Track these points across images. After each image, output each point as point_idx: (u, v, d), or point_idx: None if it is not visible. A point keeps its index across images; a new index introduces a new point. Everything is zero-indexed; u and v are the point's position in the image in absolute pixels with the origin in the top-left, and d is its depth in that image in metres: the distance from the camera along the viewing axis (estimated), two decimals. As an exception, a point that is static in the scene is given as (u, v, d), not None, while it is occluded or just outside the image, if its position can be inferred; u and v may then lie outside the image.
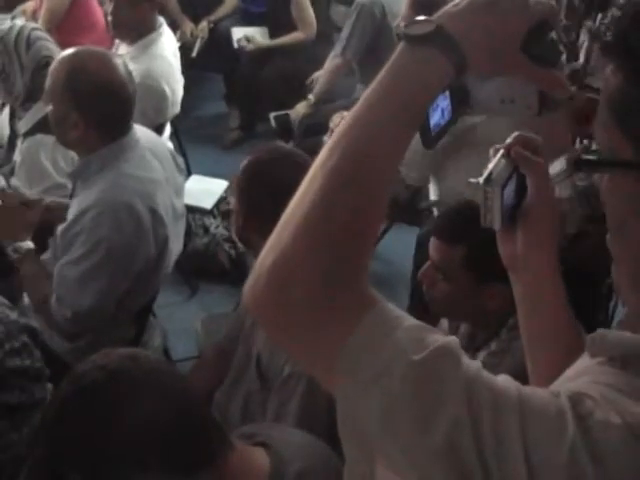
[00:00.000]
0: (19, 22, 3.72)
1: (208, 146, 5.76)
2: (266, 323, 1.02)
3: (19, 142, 3.56)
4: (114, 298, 2.83)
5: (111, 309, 2.85)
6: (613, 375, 0.97)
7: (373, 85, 1.03)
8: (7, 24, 3.64)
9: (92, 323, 2.83)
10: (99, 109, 2.86)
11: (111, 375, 1.56)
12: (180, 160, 3.31)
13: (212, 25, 6.23)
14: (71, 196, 3.04)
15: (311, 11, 5.93)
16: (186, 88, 4.64)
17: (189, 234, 4.49)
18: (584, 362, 1.06)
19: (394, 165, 1.03)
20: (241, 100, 6.23)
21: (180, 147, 5.34)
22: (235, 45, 5.97)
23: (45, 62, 3.49)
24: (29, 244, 2.96)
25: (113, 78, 2.89)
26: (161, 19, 4.36)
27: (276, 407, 2.31)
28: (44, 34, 3.68)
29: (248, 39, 5.95)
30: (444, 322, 2.61)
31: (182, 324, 3.84)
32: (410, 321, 0.97)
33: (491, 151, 1.32)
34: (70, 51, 2.96)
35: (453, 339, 0.96)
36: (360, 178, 0.99)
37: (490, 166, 1.27)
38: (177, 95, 4.30)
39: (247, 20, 6.43)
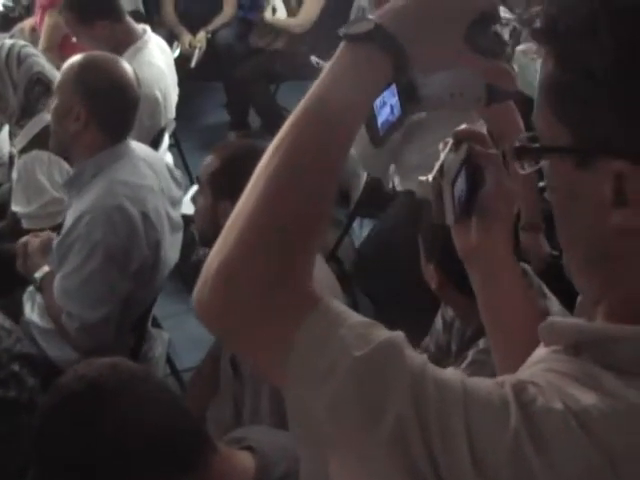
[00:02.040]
0: (9, 41, 3.75)
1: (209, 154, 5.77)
2: (213, 328, 1.03)
3: (15, 159, 3.59)
4: (118, 303, 2.84)
5: (117, 316, 2.85)
6: (567, 362, 0.97)
7: (315, 85, 1.03)
8: (-1, 44, 3.67)
9: (102, 333, 2.82)
10: (105, 106, 2.91)
11: (90, 385, 1.57)
12: (178, 174, 3.31)
13: (210, 35, 6.25)
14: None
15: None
16: (186, 98, 4.65)
17: (192, 244, 4.51)
18: (541, 350, 1.07)
19: (336, 164, 1.03)
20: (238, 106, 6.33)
21: (182, 157, 5.36)
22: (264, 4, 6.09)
23: (37, 78, 3.53)
24: (45, 267, 2.99)
25: (123, 79, 2.96)
26: (145, 27, 4.34)
27: (250, 402, 2.34)
28: (35, 51, 3.71)
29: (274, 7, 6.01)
30: (438, 322, 2.62)
31: (187, 334, 3.84)
32: (355, 318, 0.97)
33: (440, 145, 1.32)
34: (85, 54, 3.04)
35: (398, 334, 0.96)
36: (299, 180, 0.99)
37: (439, 162, 1.27)
38: (170, 100, 4.29)
39: (245, 28, 6.46)
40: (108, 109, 2.93)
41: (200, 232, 2.78)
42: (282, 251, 0.97)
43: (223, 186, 2.55)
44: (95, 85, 2.90)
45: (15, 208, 3.51)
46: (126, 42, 4.15)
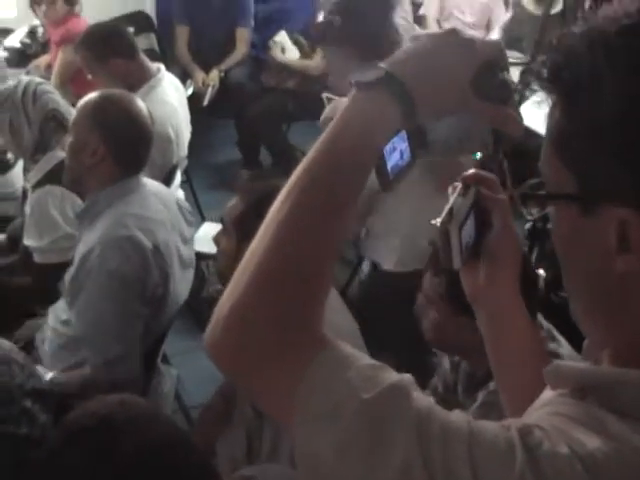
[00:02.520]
0: (25, 78, 3.79)
1: (221, 192, 5.78)
2: (225, 367, 1.04)
3: (29, 194, 3.62)
4: (139, 333, 2.84)
5: (139, 347, 2.85)
6: (572, 406, 0.98)
7: (326, 131, 1.06)
8: (16, 80, 3.72)
9: (125, 368, 2.81)
10: (122, 141, 2.95)
11: (100, 421, 1.58)
12: (189, 211, 3.34)
13: (223, 73, 6.29)
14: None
15: None
16: (198, 135, 4.68)
17: (203, 280, 4.54)
18: (548, 393, 1.08)
19: (347, 208, 1.06)
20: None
21: (193, 194, 5.40)
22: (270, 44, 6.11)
23: (52, 115, 3.57)
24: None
25: (139, 115, 3.01)
26: (159, 65, 4.39)
27: (270, 439, 2.34)
28: (50, 88, 3.75)
29: (283, 47, 6.06)
30: (445, 362, 2.63)
31: (195, 370, 3.84)
32: (363, 360, 0.98)
33: (450, 189, 1.34)
34: (99, 92, 3.08)
35: (406, 377, 0.98)
36: (310, 224, 1.02)
37: (448, 205, 1.29)
38: (182, 137, 4.34)
39: (258, 67, 6.52)
40: (124, 144, 2.97)
41: (221, 272, 2.81)
42: (292, 294, 1.00)
43: (248, 229, 2.55)
44: (112, 121, 2.94)
45: (27, 242, 3.53)
46: (140, 80, 4.20)
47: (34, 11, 5.81)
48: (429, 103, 1.09)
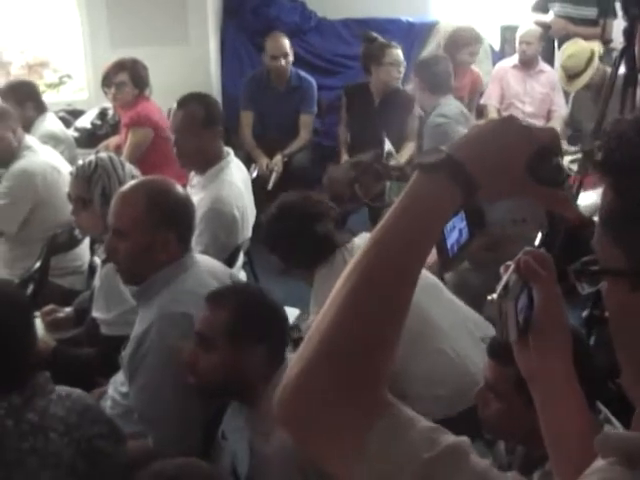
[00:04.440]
0: (105, 153, 3.91)
1: (283, 276, 5.83)
2: (292, 427, 1.11)
3: (98, 268, 3.69)
4: (197, 410, 2.85)
5: (196, 424, 2.87)
6: (621, 474, 1.00)
7: (390, 211, 1.13)
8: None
9: (184, 443, 2.82)
10: (184, 222, 3.02)
11: None
12: None
13: (286, 159, 6.41)
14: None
15: None
16: (260, 219, 4.77)
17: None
18: (598, 462, 1.11)
19: (409, 281, 1.12)
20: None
21: (254, 276, 5.46)
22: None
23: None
24: None
25: (184, 196, 3.09)
26: (228, 148, 4.50)
27: None
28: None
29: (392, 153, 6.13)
30: (500, 444, 2.63)
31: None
32: (423, 423, 1.04)
33: (502, 269, 1.39)
34: (133, 184, 3.11)
35: (464, 439, 1.04)
36: (375, 295, 1.09)
37: (503, 281, 1.34)
38: (247, 219, 4.41)
39: (318, 153, 6.65)
40: (186, 226, 3.04)
41: (208, 386, 2.66)
42: (358, 361, 1.06)
43: (242, 334, 2.56)
44: (171, 208, 2.99)
45: (95, 314, 3.59)
46: (214, 159, 4.32)
47: (105, 94, 5.98)
48: (487, 185, 1.14)
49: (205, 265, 3.17)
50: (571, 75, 6.28)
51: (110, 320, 3.55)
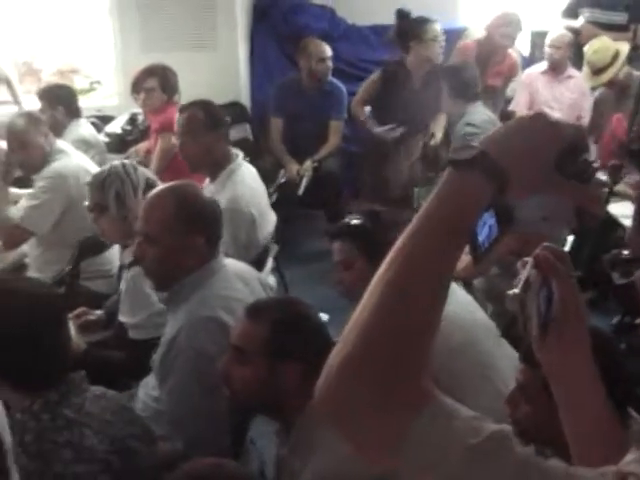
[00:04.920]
0: (116, 161, 3.95)
1: (311, 282, 5.85)
2: (334, 416, 1.12)
3: (124, 272, 3.72)
4: (226, 414, 2.85)
5: (225, 427, 2.88)
6: None
7: (424, 206, 1.15)
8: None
9: (214, 447, 2.80)
10: (211, 228, 3.03)
11: None
12: (270, 288, 3.40)
13: (316, 164, 6.42)
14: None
15: None
16: (289, 224, 4.78)
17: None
18: (633, 454, 1.12)
19: (444, 279, 1.13)
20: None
21: (283, 283, 5.47)
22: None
23: (151, 182, 3.73)
24: None
25: (212, 200, 3.12)
26: (237, 151, 4.56)
27: None
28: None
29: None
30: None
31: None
32: (466, 412, 1.06)
33: (519, 264, 1.39)
34: (161, 189, 3.13)
35: (507, 426, 1.06)
36: (412, 291, 1.10)
37: (523, 277, 1.35)
38: (266, 219, 4.46)
39: (346, 159, 6.66)
40: (215, 230, 3.06)
41: (245, 401, 2.62)
42: (400, 349, 1.07)
43: (279, 350, 2.48)
44: (198, 212, 3.01)
45: (122, 318, 3.62)
46: (225, 160, 4.40)
47: (135, 99, 6.01)
48: (518, 181, 1.16)
49: (233, 269, 3.18)
50: (595, 70, 6.29)
51: (136, 324, 3.60)
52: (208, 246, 3.01)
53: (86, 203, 3.83)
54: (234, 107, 7.21)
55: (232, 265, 3.20)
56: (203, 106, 4.54)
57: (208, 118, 4.44)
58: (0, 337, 2.34)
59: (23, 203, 4.73)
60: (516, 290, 1.33)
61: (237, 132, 7.06)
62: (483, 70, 6.47)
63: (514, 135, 1.18)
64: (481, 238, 1.21)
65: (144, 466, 2.47)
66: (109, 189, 3.70)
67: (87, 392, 2.45)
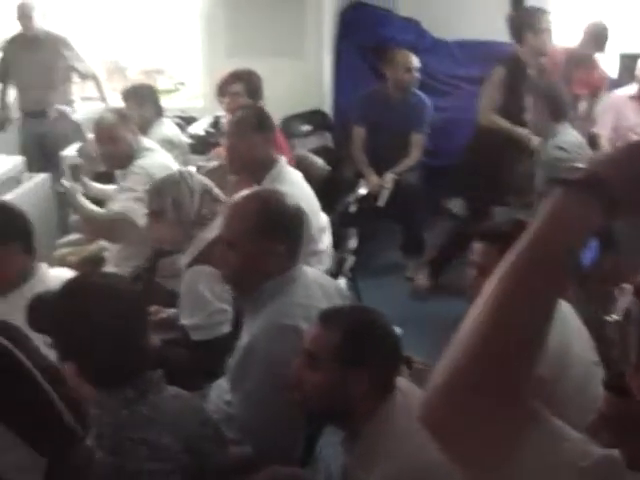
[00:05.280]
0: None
1: (385, 294, 5.78)
2: (436, 431, 1.10)
3: (182, 273, 3.76)
4: (300, 423, 2.84)
5: (298, 437, 2.87)
6: None
7: (531, 226, 1.13)
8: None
9: (285, 454, 2.76)
10: (293, 236, 3.02)
11: None
12: (347, 298, 3.38)
13: (397, 177, 6.37)
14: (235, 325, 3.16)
15: None
16: (364, 236, 4.76)
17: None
18: None
19: (549, 301, 1.11)
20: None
21: (357, 295, 5.45)
22: None
23: (208, 188, 3.78)
24: None
25: (295, 208, 3.08)
26: (281, 156, 4.60)
27: None
28: None
29: None
30: None
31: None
32: (573, 433, 1.05)
33: (616, 291, 1.36)
34: (245, 195, 3.11)
35: (615, 451, 1.03)
36: (514, 311, 1.08)
37: (623, 304, 1.31)
38: (317, 220, 4.48)
39: (426, 173, 6.62)
40: (296, 235, 3.04)
41: (316, 406, 2.58)
42: (508, 368, 1.05)
43: (350, 358, 2.47)
44: (280, 218, 3.00)
45: (183, 321, 3.66)
46: (269, 162, 4.46)
47: (219, 103, 6.05)
48: (628, 206, 1.13)
49: (313, 277, 3.17)
50: None
51: (196, 325, 3.63)
52: (289, 253, 2.99)
53: None
54: (316, 115, 7.24)
55: (311, 273, 3.19)
56: (253, 109, 4.72)
57: (257, 120, 4.54)
58: (81, 332, 2.36)
59: (121, 197, 4.77)
60: (616, 317, 1.30)
61: (318, 140, 7.10)
62: (569, 77, 6.36)
63: (627, 159, 1.15)
64: (584, 259, 1.19)
65: (214, 468, 2.48)
66: (166, 195, 3.76)
67: (164, 391, 2.46)
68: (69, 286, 2.56)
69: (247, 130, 4.49)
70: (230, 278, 3.08)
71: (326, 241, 4.60)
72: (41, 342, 2.56)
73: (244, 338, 2.96)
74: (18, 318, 2.56)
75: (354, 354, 2.46)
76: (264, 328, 2.86)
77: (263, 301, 2.95)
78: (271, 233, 2.95)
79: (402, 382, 2.57)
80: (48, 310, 2.46)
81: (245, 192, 3.16)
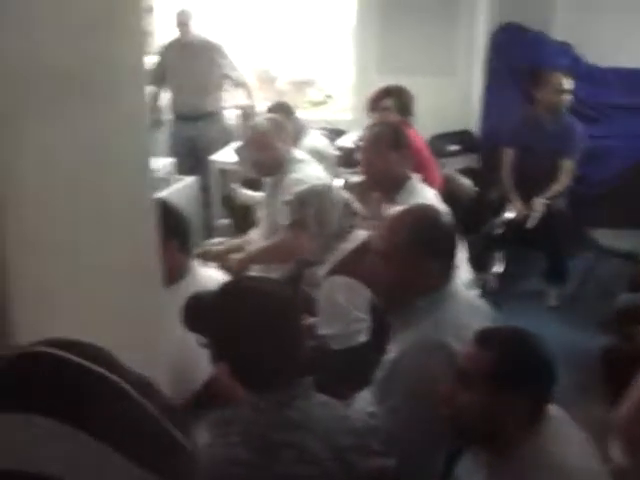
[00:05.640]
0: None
1: (526, 320, 5.68)
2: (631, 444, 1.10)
3: (321, 284, 3.81)
4: (444, 440, 2.81)
5: (441, 454, 2.85)
6: None
7: None
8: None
9: (427, 471, 2.82)
10: (447, 253, 3.00)
11: None
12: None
13: (547, 202, 6.23)
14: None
15: None
16: (509, 260, 4.72)
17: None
18: None
19: None
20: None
21: (499, 318, 5.38)
22: None
23: (347, 202, 3.80)
24: None
25: (450, 226, 3.07)
26: (415, 174, 4.62)
27: None
28: None
29: None
30: None
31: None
32: None
33: None
34: (401, 211, 3.14)
35: None
36: None
37: None
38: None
39: (575, 201, 6.49)
40: (448, 256, 3.02)
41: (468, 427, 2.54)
42: None
43: (506, 379, 2.44)
44: (436, 237, 2.99)
45: (321, 331, 3.69)
46: (401, 179, 4.50)
47: (369, 117, 6.06)
48: None
49: (465, 296, 3.15)
50: None
51: (334, 334, 3.66)
52: (441, 271, 2.98)
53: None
54: (463, 135, 7.20)
55: (463, 293, 3.18)
56: (390, 126, 4.73)
57: (393, 137, 4.57)
58: (237, 333, 2.39)
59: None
60: None
61: (463, 160, 7.06)
62: None
63: None
64: None
65: (358, 477, 2.48)
66: (309, 206, 3.79)
67: (313, 398, 2.47)
68: (227, 288, 2.60)
69: (383, 147, 4.53)
70: (382, 292, 3.09)
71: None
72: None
73: (391, 352, 2.96)
74: (172, 315, 2.59)
75: (509, 377, 2.43)
76: (414, 344, 2.85)
77: (414, 317, 2.94)
78: (426, 250, 2.94)
79: (553, 409, 2.53)
80: (204, 310, 2.50)
81: (402, 208, 3.18)
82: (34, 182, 1.74)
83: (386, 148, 4.51)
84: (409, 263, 2.94)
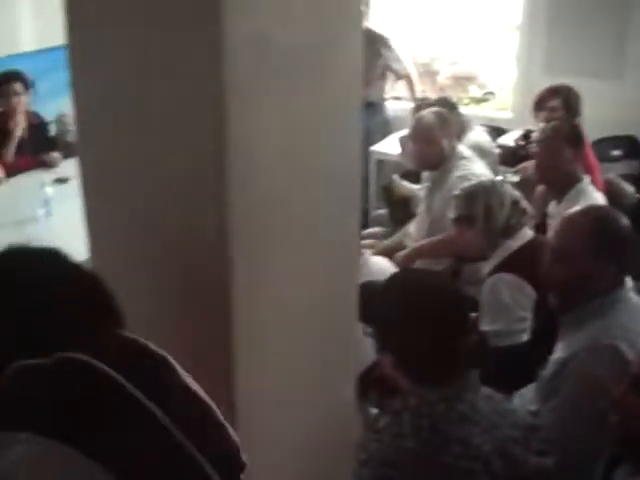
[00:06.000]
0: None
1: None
2: None
3: (485, 280, 3.80)
4: (605, 444, 2.78)
5: (599, 465, 2.81)
6: None
7: None
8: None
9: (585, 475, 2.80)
10: (625, 256, 2.96)
11: None
12: None
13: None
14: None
15: None
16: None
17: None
18: None
19: None
20: None
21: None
22: None
23: (516, 199, 3.80)
24: None
25: (629, 229, 2.99)
26: (587, 176, 4.54)
27: None
28: None
29: None
30: None
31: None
32: None
33: None
34: (581, 210, 3.12)
35: None
36: None
37: None
38: None
39: None
40: (626, 259, 2.98)
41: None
42: None
43: None
44: (615, 239, 2.95)
45: (483, 327, 3.68)
46: (573, 179, 4.44)
47: (535, 117, 5.99)
48: None
49: (635, 301, 3.07)
50: None
51: (497, 331, 3.66)
52: (617, 274, 2.95)
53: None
54: (628, 140, 7.04)
55: (634, 298, 3.11)
56: (568, 122, 4.76)
57: (570, 134, 4.55)
58: (404, 326, 2.41)
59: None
60: None
61: (624, 166, 6.89)
62: None
63: None
64: None
65: (519, 472, 2.48)
66: (478, 202, 3.79)
67: (479, 391, 2.49)
68: (395, 279, 2.63)
69: (559, 142, 4.51)
70: (556, 292, 3.06)
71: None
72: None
73: (558, 352, 2.95)
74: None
75: None
76: (584, 346, 2.83)
77: (586, 319, 2.92)
78: (605, 252, 2.91)
79: None
80: (373, 301, 2.54)
81: (582, 207, 3.17)
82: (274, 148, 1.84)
83: (561, 144, 4.49)
84: (587, 264, 2.91)
